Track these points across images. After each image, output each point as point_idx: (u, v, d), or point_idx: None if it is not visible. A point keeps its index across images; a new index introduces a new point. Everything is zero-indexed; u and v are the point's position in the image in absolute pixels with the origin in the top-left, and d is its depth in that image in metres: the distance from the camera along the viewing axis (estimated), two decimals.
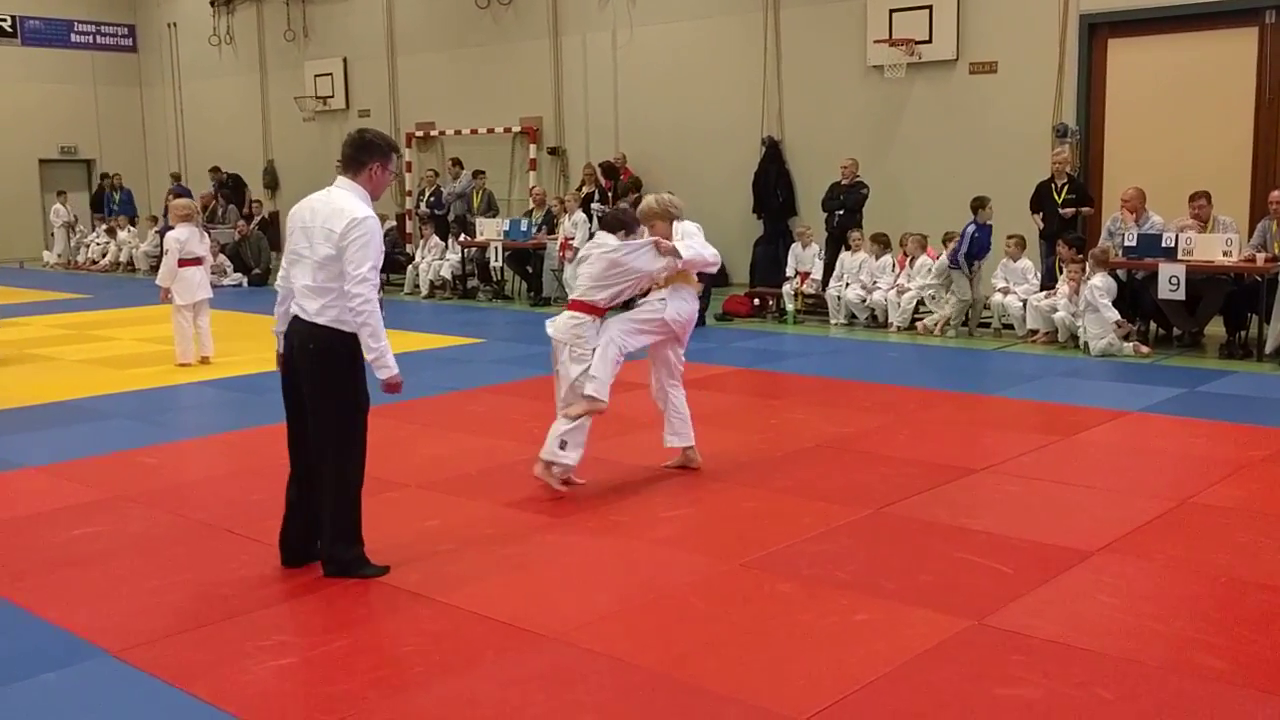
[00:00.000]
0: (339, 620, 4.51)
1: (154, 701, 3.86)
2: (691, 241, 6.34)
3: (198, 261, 10.64)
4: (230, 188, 21.20)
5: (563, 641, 4.25)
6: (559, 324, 6.26)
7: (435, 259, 16.46)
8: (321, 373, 4.78)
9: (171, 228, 11.21)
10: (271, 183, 22.79)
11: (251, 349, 11.20)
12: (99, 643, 4.27)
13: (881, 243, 12.79)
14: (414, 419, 8.07)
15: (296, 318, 4.84)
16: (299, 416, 4.91)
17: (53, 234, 23.34)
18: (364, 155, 4.89)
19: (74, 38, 24.94)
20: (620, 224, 6.40)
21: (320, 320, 4.74)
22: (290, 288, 4.90)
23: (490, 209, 16.86)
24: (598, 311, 6.25)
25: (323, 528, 4.91)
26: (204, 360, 10.50)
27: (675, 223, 6.46)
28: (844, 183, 13.53)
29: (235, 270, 18.28)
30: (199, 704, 3.81)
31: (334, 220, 4.72)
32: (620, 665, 4.05)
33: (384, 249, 4.90)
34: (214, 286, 11.30)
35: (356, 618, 4.54)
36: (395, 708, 3.76)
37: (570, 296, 6.43)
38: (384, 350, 4.75)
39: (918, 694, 3.79)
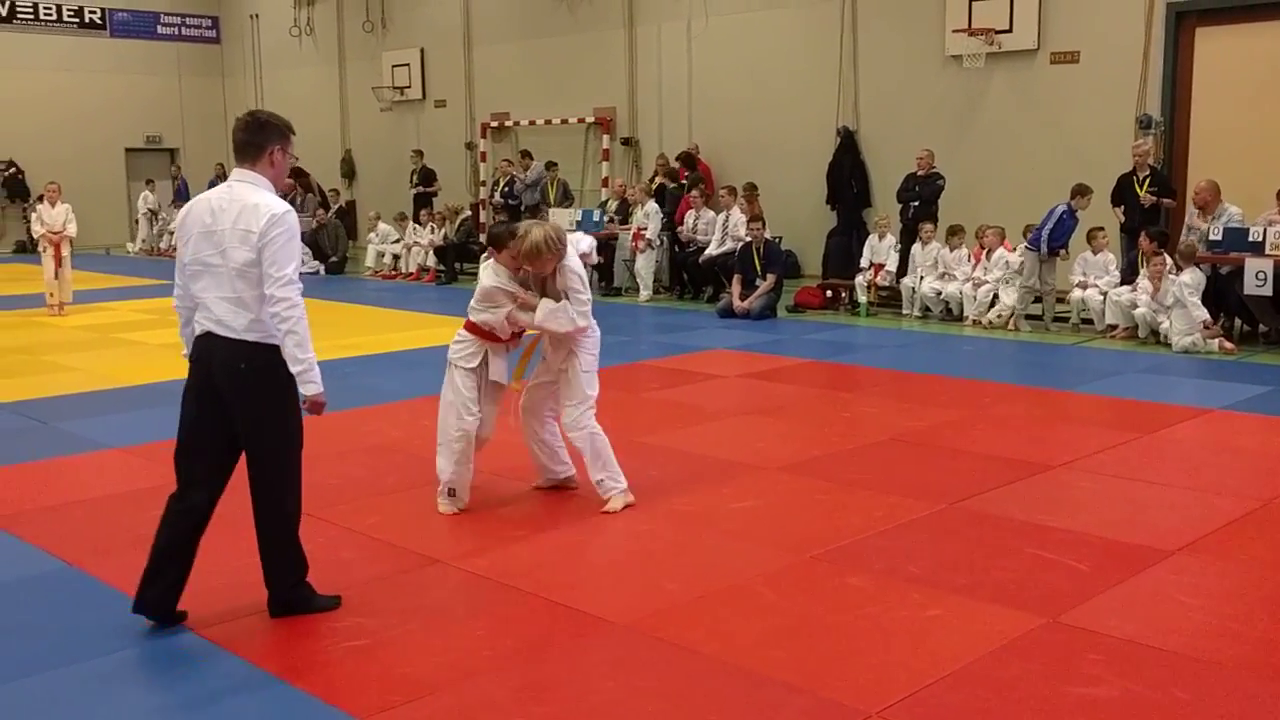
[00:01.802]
0: (412, 604, 4.56)
1: (231, 677, 3.95)
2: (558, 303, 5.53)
3: None
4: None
5: (632, 629, 4.26)
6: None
7: None
8: (260, 397, 4.20)
9: None
10: (349, 172, 23.09)
11: (329, 335, 11.36)
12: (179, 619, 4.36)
13: (957, 234, 12.62)
14: None
15: (212, 335, 4.19)
16: (206, 435, 4.27)
17: (136, 221, 23.90)
18: (260, 138, 4.27)
19: (160, 29, 25.50)
20: (495, 240, 5.72)
21: (250, 337, 4.16)
22: (192, 305, 4.28)
23: (566, 199, 16.92)
24: (492, 339, 5.67)
25: (268, 570, 4.37)
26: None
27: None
28: (920, 174, 13.37)
29: (313, 258, 18.57)
30: (275, 681, 3.89)
31: (248, 219, 4.12)
32: (688, 654, 4.05)
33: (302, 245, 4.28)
34: None
35: (429, 601, 4.59)
36: (466, 691, 3.81)
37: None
38: (311, 363, 4.17)
39: (989, 691, 3.74)
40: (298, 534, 4.41)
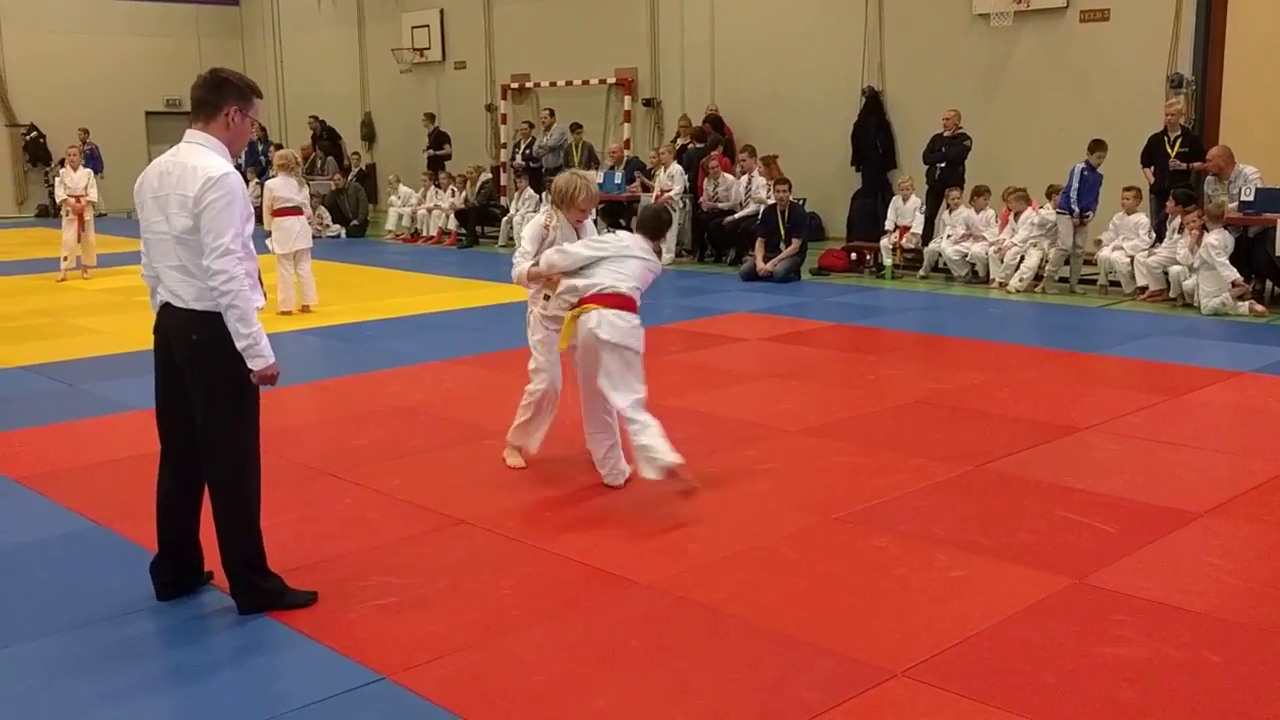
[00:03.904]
0: (438, 563, 4.57)
1: (258, 635, 3.98)
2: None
3: (297, 211, 10.80)
4: (326, 139, 21.45)
5: (657, 589, 4.27)
6: (608, 323, 5.24)
7: (529, 211, 16.50)
8: (211, 370, 3.98)
9: (271, 177, 11.41)
10: (369, 135, 23.03)
11: (351, 298, 11.39)
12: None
13: (982, 195, 12.50)
14: (508, 369, 8.12)
15: (168, 305, 4.03)
16: (174, 405, 4.14)
17: None
18: (217, 97, 4.01)
19: None
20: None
21: (199, 307, 3.94)
22: (155, 274, 4.10)
23: (592, 162, 16.81)
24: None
25: (223, 551, 4.13)
26: (305, 309, 10.69)
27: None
28: (946, 135, 13.22)
29: (334, 221, 18.58)
30: (303, 638, 3.92)
31: (187, 183, 3.89)
32: (714, 614, 4.05)
33: (251, 211, 4.04)
34: (314, 238, 11.47)
35: (455, 561, 4.60)
36: (492, 649, 3.82)
37: (612, 287, 5.34)
38: (257, 335, 3.92)
39: (1016, 650, 3.73)
40: (256, 519, 4.12)
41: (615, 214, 15.48)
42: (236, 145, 4.12)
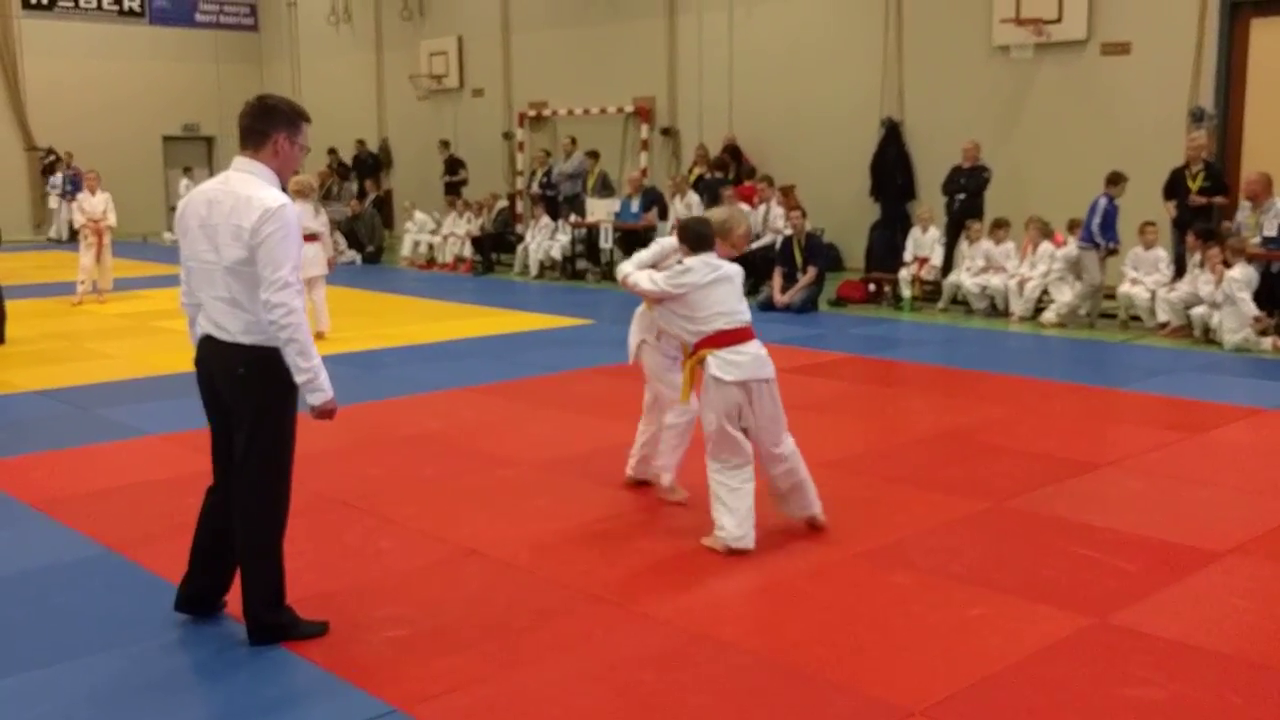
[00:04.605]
0: (452, 594, 4.54)
1: (270, 666, 3.94)
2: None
3: (313, 237, 10.81)
4: (365, 165, 21.56)
5: (672, 625, 4.22)
6: (761, 359, 5.04)
7: (545, 239, 16.53)
8: (256, 401, 3.95)
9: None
10: (386, 161, 23.14)
11: (366, 325, 11.40)
12: None
13: (1002, 227, 12.45)
14: (523, 398, 8.12)
15: (211, 339, 3.97)
16: (221, 435, 4.13)
17: (174, 208, 23.98)
18: (265, 125, 3.96)
19: (198, 17, 25.65)
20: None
21: (246, 340, 3.89)
22: (196, 304, 4.03)
23: (605, 189, 16.84)
24: None
25: (245, 586, 4.08)
26: (319, 335, 10.70)
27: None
28: (965, 166, 13.20)
29: (349, 248, 18.62)
30: (316, 669, 3.88)
31: (241, 214, 3.82)
32: (729, 649, 4.00)
33: (302, 242, 3.96)
34: (329, 265, 11.48)
35: (469, 592, 4.57)
36: (506, 682, 3.78)
37: (741, 322, 5.09)
38: (317, 369, 3.88)
39: (1036, 691, 3.67)
40: (280, 550, 4.07)
41: (631, 244, 15.48)
42: (286, 173, 4.05)
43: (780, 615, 4.31)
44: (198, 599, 4.24)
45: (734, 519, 4.91)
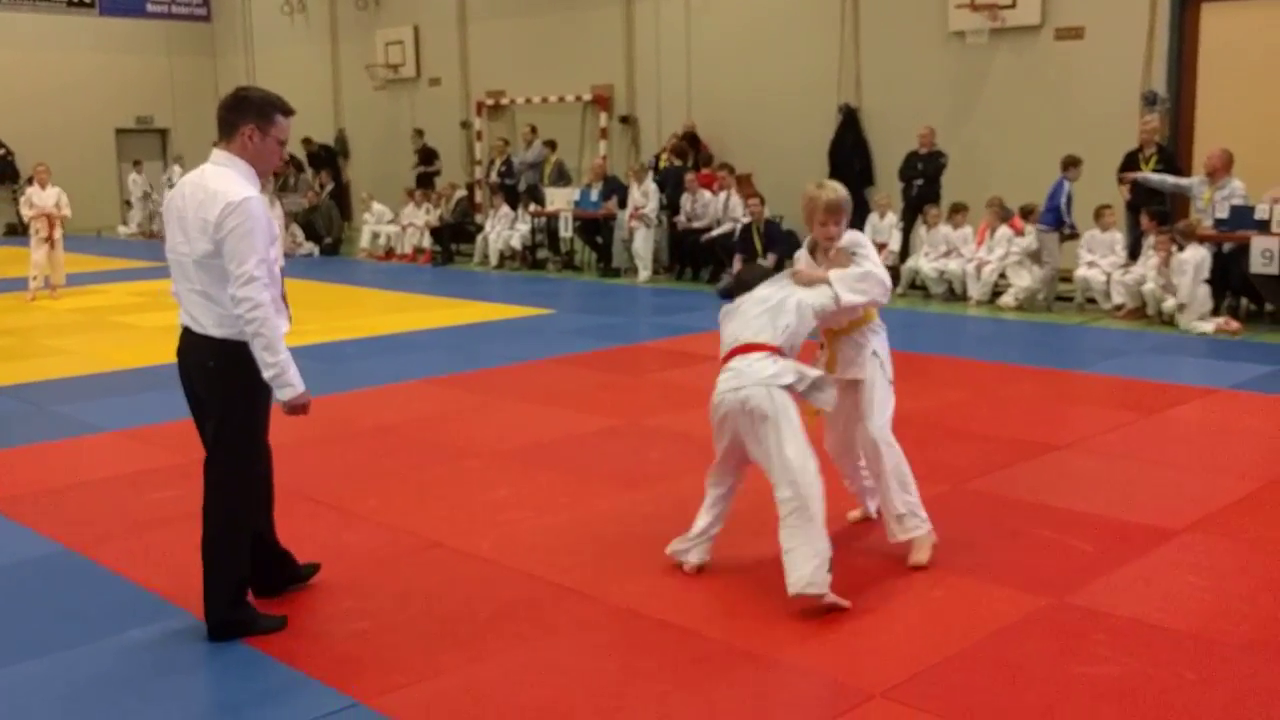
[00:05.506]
0: (413, 586, 4.52)
1: (230, 661, 3.91)
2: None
3: None
4: (319, 160, 21.32)
5: (636, 613, 4.23)
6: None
7: (505, 229, 16.47)
8: (226, 394, 3.94)
9: None
10: (342, 151, 22.95)
11: (325, 318, 11.31)
12: (181, 604, 4.32)
13: (960, 212, 12.54)
14: (485, 389, 8.10)
15: (187, 330, 3.98)
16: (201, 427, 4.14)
17: (128, 203, 23.73)
18: (234, 116, 3.94)
19: (149, 7, 25.22)
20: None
21: (217, 333, 3.89)
22: (179, 294, 4.04)
23: (561, 179, 16.80)
24: None
25: (206, 582, 4.04)
26: None
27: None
28: (922, 151, 13.28)
29: (307, 239, 18.48)
30: (277, 665, 3.86)
31: (207, 207, 3.81)
32: (692, 636, 4.02)
33: (273, 235, 3.93)
34: (286, 256, 11.39)
35: (431, 586, 4.55)
36: (470, 674, 3.77)
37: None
38: (284, 364, 3.85)
39: (995, 670, 3.71)
40: (243, 545, 4.06)
41: (591, 231, 15.47)
42: (261, 165, 3.99)
43: (740, 601, 4.32)
44: (266, 587, 4.32)
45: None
